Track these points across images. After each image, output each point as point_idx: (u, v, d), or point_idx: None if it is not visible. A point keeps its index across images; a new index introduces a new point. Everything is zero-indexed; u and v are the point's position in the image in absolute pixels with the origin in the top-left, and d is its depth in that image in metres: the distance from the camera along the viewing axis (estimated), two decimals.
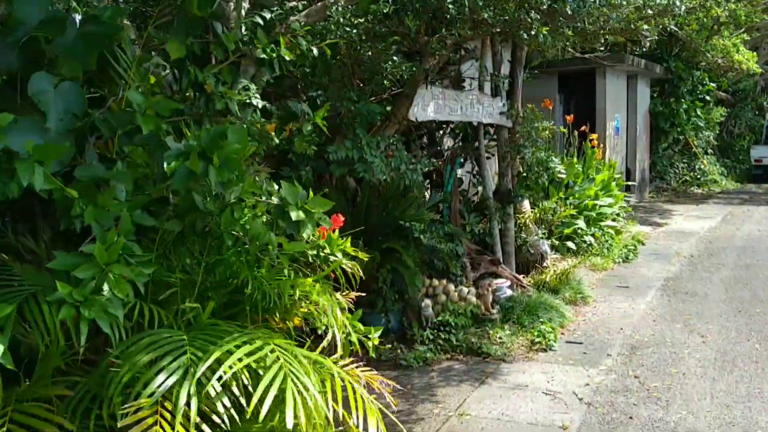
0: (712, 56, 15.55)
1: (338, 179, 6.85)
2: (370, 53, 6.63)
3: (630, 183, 15.01)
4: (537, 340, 6.28)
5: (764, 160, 23.52)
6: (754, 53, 16.10)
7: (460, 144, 7.95)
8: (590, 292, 8.11)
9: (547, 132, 8.18)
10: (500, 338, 6.31)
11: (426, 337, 6.30)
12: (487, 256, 7.52)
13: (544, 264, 8.10)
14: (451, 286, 6.86)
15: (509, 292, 7.34)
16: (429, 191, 7.95)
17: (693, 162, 22.88)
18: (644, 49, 21.58)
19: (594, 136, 12.15)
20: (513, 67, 8.06)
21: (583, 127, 11.99)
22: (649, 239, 12.02)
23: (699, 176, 22.58)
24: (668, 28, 15.70)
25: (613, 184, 12.50)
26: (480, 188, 7.88)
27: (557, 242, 9.91)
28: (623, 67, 16.03)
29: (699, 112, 20.64)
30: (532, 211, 8.31)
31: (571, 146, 12.34)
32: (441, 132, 8.14)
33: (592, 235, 10.33)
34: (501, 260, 7.63)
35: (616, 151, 16.71)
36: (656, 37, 21.10)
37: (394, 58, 7.07)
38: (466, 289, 6.83)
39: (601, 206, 10.69)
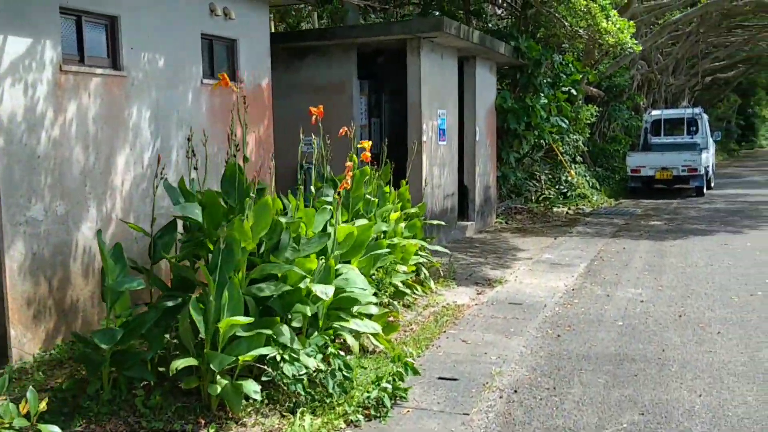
0: (571, 25, 10.59)
1: None
2: None
3: (428, 221, 9.65)
4: None
5: (643, 170, 19.19)
6: (631, 22, 11.30)
7: None
8: None
9: None
10: None
11: None
12: None
13: None
14: None
15: None
16: None
17: (558, 173, 18.23)
18: (489, 24, 16.70)
19: (365, 144, 6.72)
20: None
21: (342, 130, 6.50)
22: (455, 327, 6.70)
23: (566, 190, 17.95)
24: None
25: (401, 227, 7.15)
26: None
27: (226, 385, 4.38)
28: (448, 40, 10.83)
29: (563, 110, 15.89)
30: None
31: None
32: None
33: (314, 355, 4.83)
34: None
35: (441, 163, 11.50)
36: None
37: None
38: None
39: (341, 292, 5.23)
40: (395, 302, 6.79)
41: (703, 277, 8.71)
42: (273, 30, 14.70)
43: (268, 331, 4.56)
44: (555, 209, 16.33)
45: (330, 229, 5.32)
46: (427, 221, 8.64)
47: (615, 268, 9.55)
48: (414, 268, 7.52)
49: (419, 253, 7.70)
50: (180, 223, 5.22)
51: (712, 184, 21.21)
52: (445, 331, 6.56)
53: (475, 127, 12.92)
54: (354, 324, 5.19)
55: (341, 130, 6.24)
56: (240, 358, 4.42)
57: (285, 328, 4.72)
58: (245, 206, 4.74)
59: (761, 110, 53.69)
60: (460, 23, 11.09)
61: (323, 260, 5.08)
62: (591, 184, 19.22)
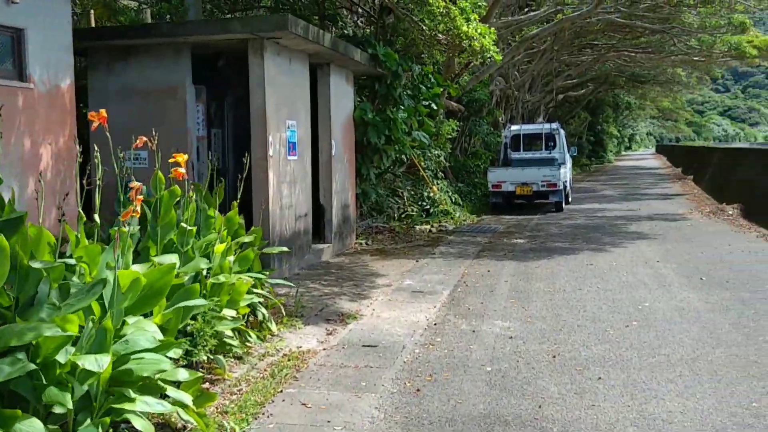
0: (430, 29, 9.75)
1: None
2: None
3: (271, 249, 8.37)
4: None
5: (503, 186, 18.88)
6: (492, 29, 10.64)
7: None
8: None
9: None
10: None
11: None
12: None
13: None
14: None
15: None
16: None
17: (420, 189, 17.50)
18: (346, 32, 15.73)
19: (179, 157, 5.36)
20: None
21: (140, 140, 5.11)
22: (295, 383, 5.45)
23: (429, 207, 17.23)
24: None
25: (229, 261, 5.84)
26: None
27: None
28: (296, 42, 9.64)
29: (425, 124, 15.13)
30: None
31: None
32: None
33: None
34: None
35: (291, 180, 10.25)
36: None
37: None
38: None
39: (124, 360, 3.86)
40: (220, 356, 5.46)
41: (574, 305, 8.01)
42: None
43: None
44: (418, 227, 15.52)
45: (110, 275, 3.93)
46: (267, 249, 7.35)
47: (480, 295, 8.70)
48: (248, 309, 6.22)
49: (255, 290, 6.42)
50: None
51: (570, 199, 21.36)
52: (282, 391, 5.30)
53: (330, 140, 11.80)
54: (143, 404, 3.82)
55: (139, 140, 4.85)
56: None
57: (32, 423, 3.29)
58: None
59: (609, 127, 56.77)
60: (309, 24, 9.94)
61: (94, 319, 3.68)
62: (453, 200, 18.68)
